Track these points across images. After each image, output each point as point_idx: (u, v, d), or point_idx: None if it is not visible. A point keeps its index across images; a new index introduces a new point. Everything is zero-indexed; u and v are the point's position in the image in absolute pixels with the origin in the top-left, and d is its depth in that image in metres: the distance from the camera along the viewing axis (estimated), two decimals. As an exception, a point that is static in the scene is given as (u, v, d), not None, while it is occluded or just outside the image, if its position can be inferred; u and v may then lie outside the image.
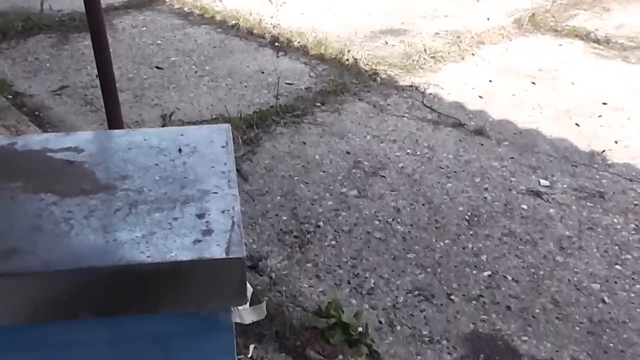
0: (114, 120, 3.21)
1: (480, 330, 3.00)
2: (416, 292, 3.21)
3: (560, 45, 6.15)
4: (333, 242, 3.55)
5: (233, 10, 7.01)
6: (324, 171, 4.18)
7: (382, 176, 4.12)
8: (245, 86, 5.39)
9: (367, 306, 3.13)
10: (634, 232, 3.63)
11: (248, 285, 1.33)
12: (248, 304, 1.41)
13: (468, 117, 4.84)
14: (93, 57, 3.10)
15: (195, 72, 5.68)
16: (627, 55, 5.87)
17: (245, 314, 1.40)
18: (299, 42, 6.16)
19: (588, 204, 3.86)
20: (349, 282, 3.27)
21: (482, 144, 4.49)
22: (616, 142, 4.50)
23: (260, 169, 4.20)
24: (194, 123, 4.71)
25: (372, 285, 3.25)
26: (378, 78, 5.47)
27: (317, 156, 4.35)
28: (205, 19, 6.96)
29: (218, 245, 1.32)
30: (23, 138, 1.73)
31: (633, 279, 3.29)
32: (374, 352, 2.84)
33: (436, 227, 3.66)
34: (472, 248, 3.51)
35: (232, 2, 7.28)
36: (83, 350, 1.39)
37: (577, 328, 3.00)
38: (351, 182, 4.06)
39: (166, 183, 1.53)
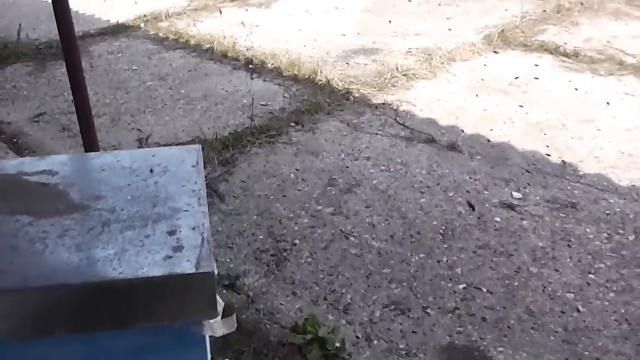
0: (91, 144, 3.24)
1: (456, 342, 3.03)
2: (392, 307, 3.25)
3: (530, 59, 6.24)
4: (309, 259, 3.58)
5: (207, 34, 7.05)
6: (300, 189, 4.22)
7: (357, 193, 4.16)
8: (221, 108, 5.42)
9: (344, 321, 3.15)
10: (606, 241, 3.68)
11: (219, 298, 1.38)
12: (220, 317, 1.44)
13: (440, 133, 4.90)
14: (69, 84, 3.14)
15: (171, 95, 5.71)
16: (595, 68, 5.97)
17: (217, 327, 1.44)
18: (272, 64, 6.21)
19: (561, 214, 3.91)
20: (325, 298, 3.30)
21: (454, 159, 4.54)
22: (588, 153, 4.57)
23: (236, 189, 4.23)
24: (169, 145, 4.73)
25: (349, 301, 3.29)
26: (351, 97, 5.52)
27: (292, 175, 4.39)
28: (180, 44, 6.99)
29: (188, 260, 1.36)
30: (-1, 163, 1.77)
31: (606, 287, 3.34)
32: (352, 366, 2.88)
33: (411, 242, 3.71)
34: (446, 261, 3.55)
35: (206, 26, 7.34)
36: (60, 367, 1.43)
37: (553, 337, 3.04)
38: (326, 200, 4.10)
39: (138, 202, 1.57)
